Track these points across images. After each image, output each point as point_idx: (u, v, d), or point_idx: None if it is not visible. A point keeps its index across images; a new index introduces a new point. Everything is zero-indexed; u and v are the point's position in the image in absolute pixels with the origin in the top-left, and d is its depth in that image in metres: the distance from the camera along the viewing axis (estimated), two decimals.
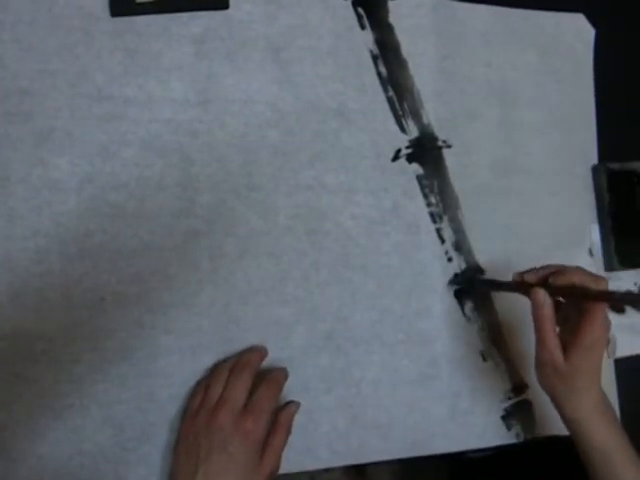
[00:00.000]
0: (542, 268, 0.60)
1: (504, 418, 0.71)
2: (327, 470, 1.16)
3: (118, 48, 0.60)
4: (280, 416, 0.59)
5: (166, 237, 0.61)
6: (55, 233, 0.58)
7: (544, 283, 0.58)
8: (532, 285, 0.59)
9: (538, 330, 0.58)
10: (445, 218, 0.70)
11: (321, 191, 0.66)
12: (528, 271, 0.60)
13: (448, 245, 0.70)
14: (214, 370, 0.60)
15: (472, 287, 0.71)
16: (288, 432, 0.59)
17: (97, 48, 0.60)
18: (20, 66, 0.58)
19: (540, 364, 0.58)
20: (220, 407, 0.56)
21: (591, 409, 0.59)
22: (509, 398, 0.71)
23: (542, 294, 0.57)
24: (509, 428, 0.71)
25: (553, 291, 0.57)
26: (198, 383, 0.60)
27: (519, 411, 0.71)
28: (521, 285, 0.60)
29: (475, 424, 0.70)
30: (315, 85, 0.66)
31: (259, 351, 0.62)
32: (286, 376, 0.62)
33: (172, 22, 0.62)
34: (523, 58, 0.74)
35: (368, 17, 0.68)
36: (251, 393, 0.57)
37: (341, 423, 0.65)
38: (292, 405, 0.61)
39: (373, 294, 0.67)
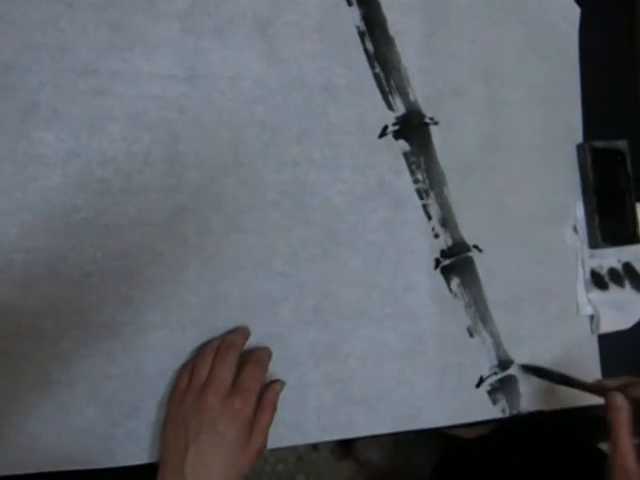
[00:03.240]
0: (623, 378, 0.62)
1: (490, 393, 0.71)
2: (315, 449, 1.17)
3: (103, 22, 0.60)
4: (266, 395, 0.60)
5: (153, 213, 0.61)
6: (41, 208, 0.57)
7: (621, 391, 0.59)
8: (609, 389, 0.60)
9: (612, 434, 0.57)
10: (432, 194, 0.70)
11: (308, 167, 0.66)
12: (607, 379, 0.62)
13: (435, 221, 0.70)
14: (199, 352, 0.60)
15: (541, 377, 0.72)
16: (274, 410, 0.60)
17: (81, 22, 0.59)
18: (3, 40, 0.57)
19: (612, 468, 0.56)
20: (208, 388, 0.56)
21: None
22: (495, 373, 0.72)
23: (619, 398, 0.58)
24: (495, 403, 0.71)
25: (631, 402, 0.58)
26: (183, 366, 0.60)
27: (505, 386, 0.72)
28: (598, 388, 0.63)
29: (461, 399, 0.70)
30: (301, 61, 0.66)
31: (242, 332, 0.62)
32: (270, 356, 0.62)
33: None
34: (508, 35, 0.74)
35: None
36: (237, 373, 0.58)
37: (329, 398, 0.65)
38: (277, 383, 0.62)
39: (360, 270, 0.67)
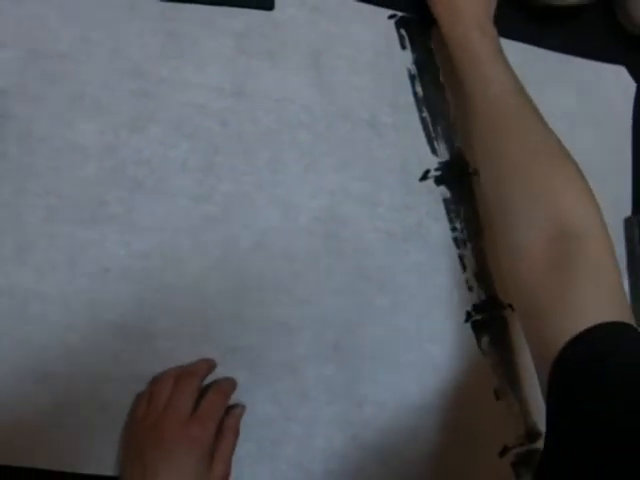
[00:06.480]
0: None
1: (514, 466, 0.65)
2: None
3: (160, 30, 0.61)
4: (226, 421, 0.56)
5: (181, 218, 0.59)
6: (69, 196, 0.57)
7: None
8: None
9: None
10: (469, 246, 0.67)
11: (344, 198, 0.64)
12: None
13: (469, 273, 0.67)
14: (158, 378, 0.56)
15: None
16: (236, 436, 0.56)
17: (140, 27, 0.61)
18: (63, 30, 0.59)
19: None
20: (165, 416, 0.52)
21: None
22: (521, 444, 0.66)
23: None
24: (518, 477, 0.65)
25: None
26: (141, 392, 0.56)
27: (531, 460, 0.66)
28: None
29: (481, 467, 0.64)
30: (350, 94, 0.66)
31: (207, 362, 0.58)
32: (234, 387, 0.58)
33: (217, 14, 0.63)
34: (559, 101, 0.72)
35: (410, 39, 0.68)
36: (197, 402, 0.54)
37: (339, 440, 0.61)
38: (237, 408, 0.58)
39: (386, 310, 0.64)
